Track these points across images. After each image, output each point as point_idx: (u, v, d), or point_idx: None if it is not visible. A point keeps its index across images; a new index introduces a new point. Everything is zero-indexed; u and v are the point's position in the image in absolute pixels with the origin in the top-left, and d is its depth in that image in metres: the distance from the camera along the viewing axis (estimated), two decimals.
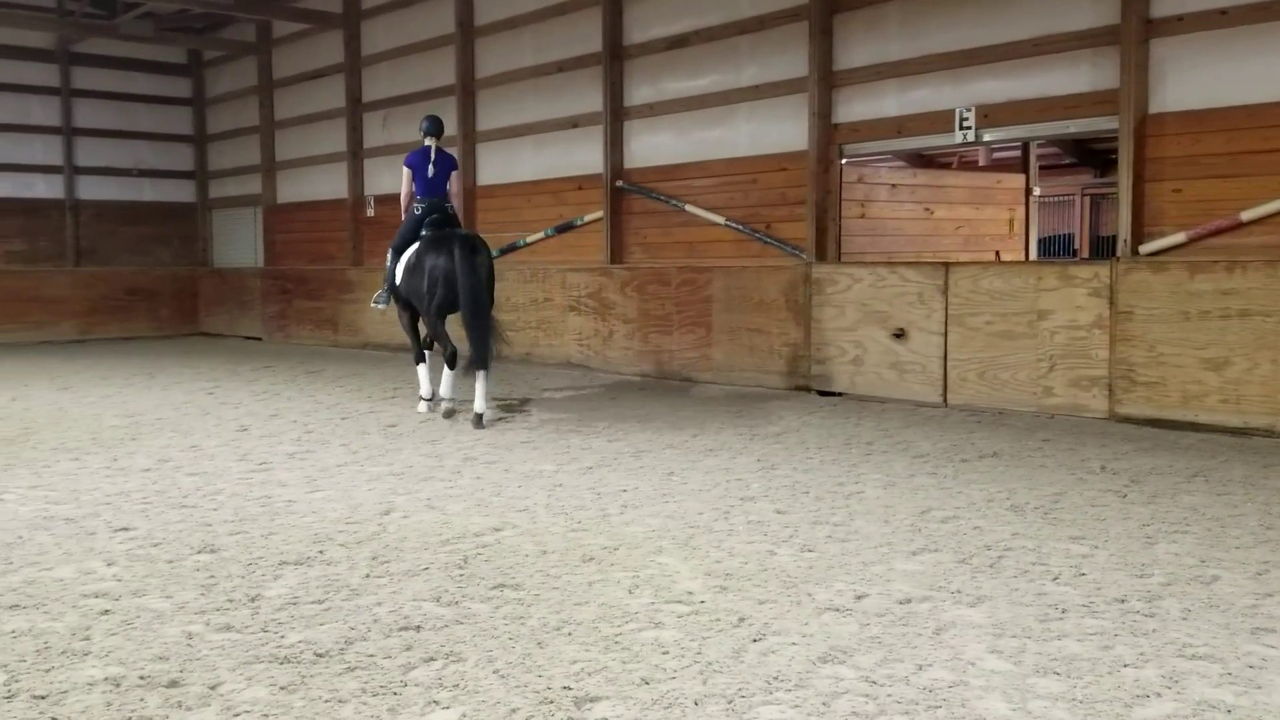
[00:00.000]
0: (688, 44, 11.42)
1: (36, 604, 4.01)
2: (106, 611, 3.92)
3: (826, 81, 10.15)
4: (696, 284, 11.01)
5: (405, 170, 9.32)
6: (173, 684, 3.26)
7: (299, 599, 4.05)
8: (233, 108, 18.79)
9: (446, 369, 8.70)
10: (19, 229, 17.81)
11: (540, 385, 10.96)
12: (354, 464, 6.76)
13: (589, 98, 12.44)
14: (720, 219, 11.16)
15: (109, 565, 4.52)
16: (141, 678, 3.31)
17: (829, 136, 10.21)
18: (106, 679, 3.30)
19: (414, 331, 9.42)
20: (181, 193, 19.50)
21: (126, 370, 12.84)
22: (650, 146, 11.97)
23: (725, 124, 11.17)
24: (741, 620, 3.77)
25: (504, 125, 13.67)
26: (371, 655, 3.47)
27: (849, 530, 5.03)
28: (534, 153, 13.36)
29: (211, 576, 4.35)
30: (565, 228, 12.90)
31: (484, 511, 5.46)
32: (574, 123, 12.71)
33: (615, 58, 12.10)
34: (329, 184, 16.67)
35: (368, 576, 4.34)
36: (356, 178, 16.06)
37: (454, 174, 9.43)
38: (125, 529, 5.13)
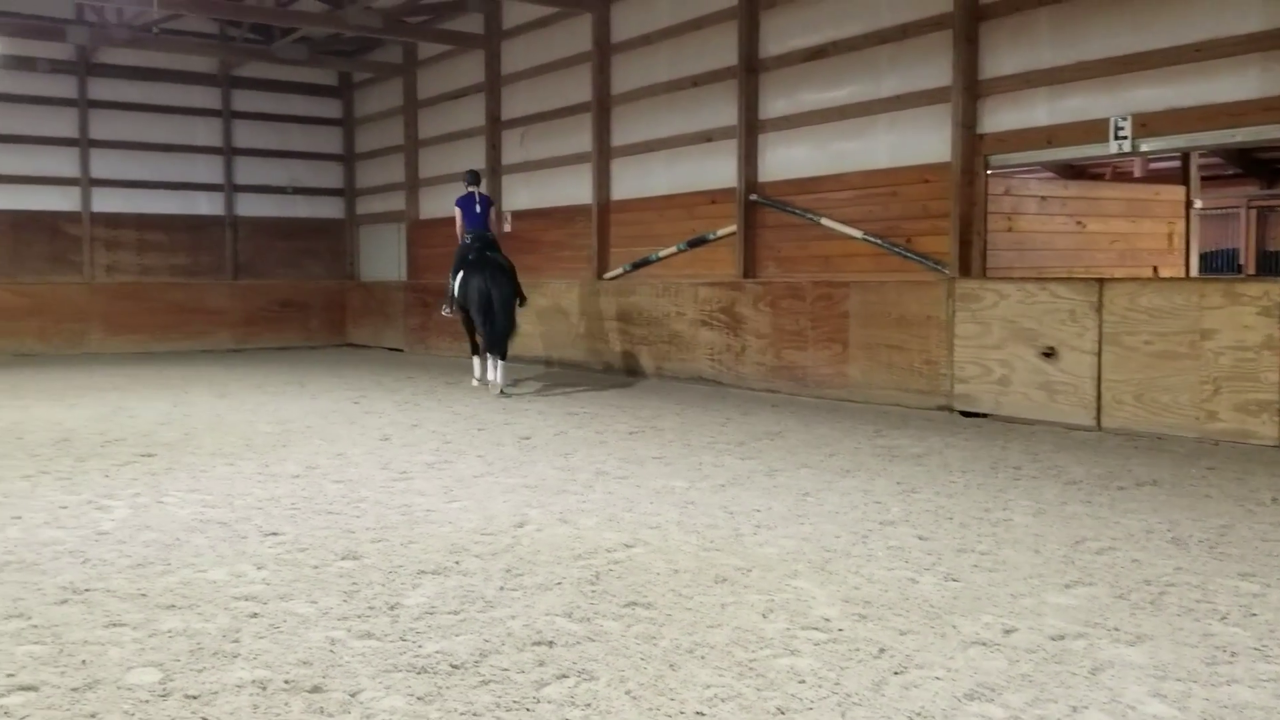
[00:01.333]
0: (826, 55, 11.27)
1: (191, 605, 4.16)
2: (255, 615, 4.04)
3: (971, 91, 9.86)
4: (833, 299, 10.83)
5: (456, 210, 12.26)
6: (315, 689, 3.33)
7: (436, 609, 4.11)
8: (379, 127, 19.47)
9: (499, 361, 11.53)
10: (184, 244, 18.83)
11: (671, 400, 10.94)
12: (489, 475, 6.85)
13: (723, 111, 12.41)
14: (858, 233, 10.96)
15: (259, 569, 4.67)
16: (286, 682, 3.39)
17: (974, 147, 9.91)
18: (254, 681, 3.39)
19: (470, 331, 12.29)
20: (331, 209, 20.29)
21: (279, 379, 13.39)
22: (785, 159, 11.85)
23: (864, 135, 10.97)
24: (882, 651, 3.64)
25: (637, 140, 13.76)
26: (505, 669, 3.48)
27: (996, 559, 4.82)
28: (667, 167, 13.40)
29: (354, 583, 4.45)
30: (698, 242, 12.87)
31: (616, 527, 5.44)
32: (708, 136, 12.69)
33: (750, 70, 12.03)
34: None
35: (502, 589, 4.37)
36: (495, 194, 16.39)
37: (492, 209, 12.20)
38: (274, 534, 5.31)
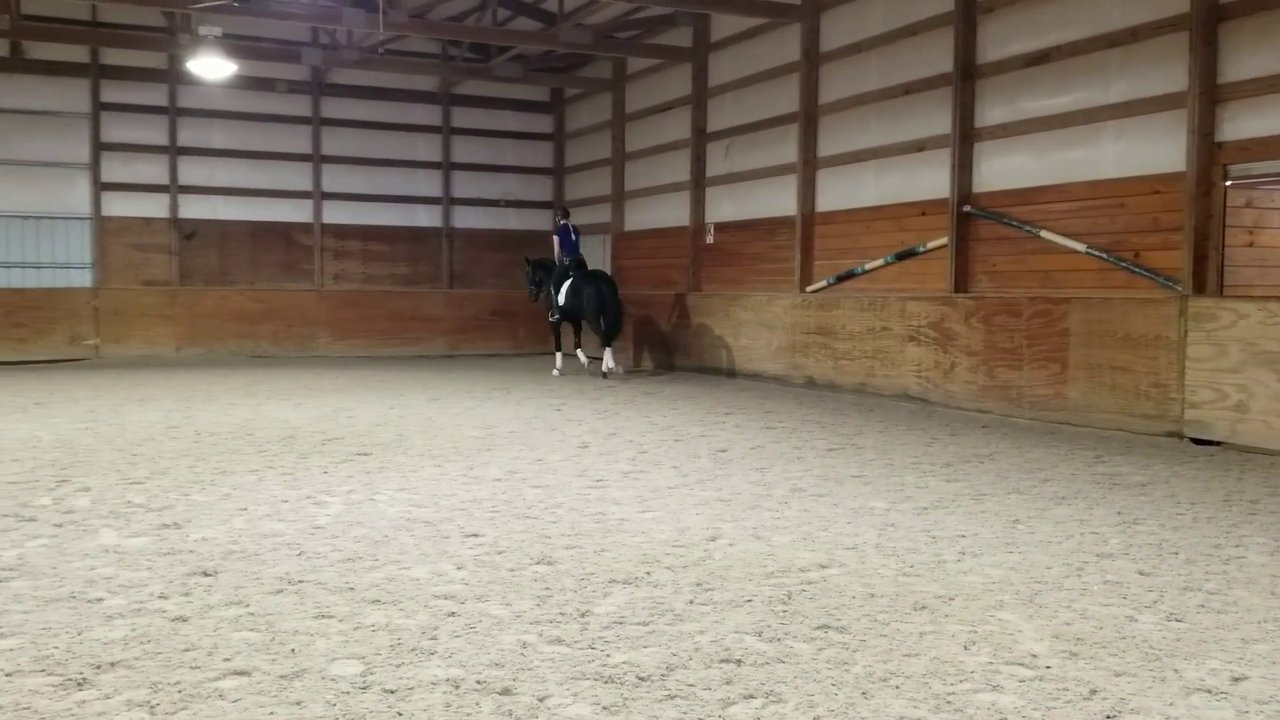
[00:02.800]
0: (1049, 60, 10.72)
1: (394, 601, 4.32)
2: (453, 614, 4.15)
3: (1209, 96, 9.14)
4: (1051, 316, 10.26)
5: (555, 239, 15.32)
6: (505, 691, 3.38)
7: (625, 619, 4.10)
8: (588, 141, 19.93)
9: (607, 348, 14.65)
10: (404, 254, 19.85)
11: (874, 418, 10.64)
12: (684, 487, 6.83)
13: (936, 120, 12.00)
14: (1080, 246, 10.35)
15: (458, 569, 4.80)
16: (478, 682, 3.45)
17: (1211, 156, 9.18)
18: (448, 680, 3.47)
19: (559, 334, 15.54)
20: (541, 221, 20.91)
21: (487, 385, 13.87)
22: (1002, 169, 11.34)
23: (1088, 144, 10.36)
24: (1093, 692, 3.37)
25: (845, 151, 13.49)
26: (691, 685, 3.43)
27: (1226, 600, 4.41)
28: (875, 178, 13.07)
29: (547, 588, 4.51)
30: (906, 254, 12.49)
31: (810, 546, 5.30)
32: (919, 146, 12.30)
33: (967, 77, 11.58)
34: (673, 212, 17.23)
35: (691, 603, 4.32)
36: (698, 206, 16.47)
37: (579, 236, 15.30)
38: (475, 535, 5.46)
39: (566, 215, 15.47)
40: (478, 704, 3.28)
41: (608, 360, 14.53)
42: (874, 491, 6.76)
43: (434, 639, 3.86)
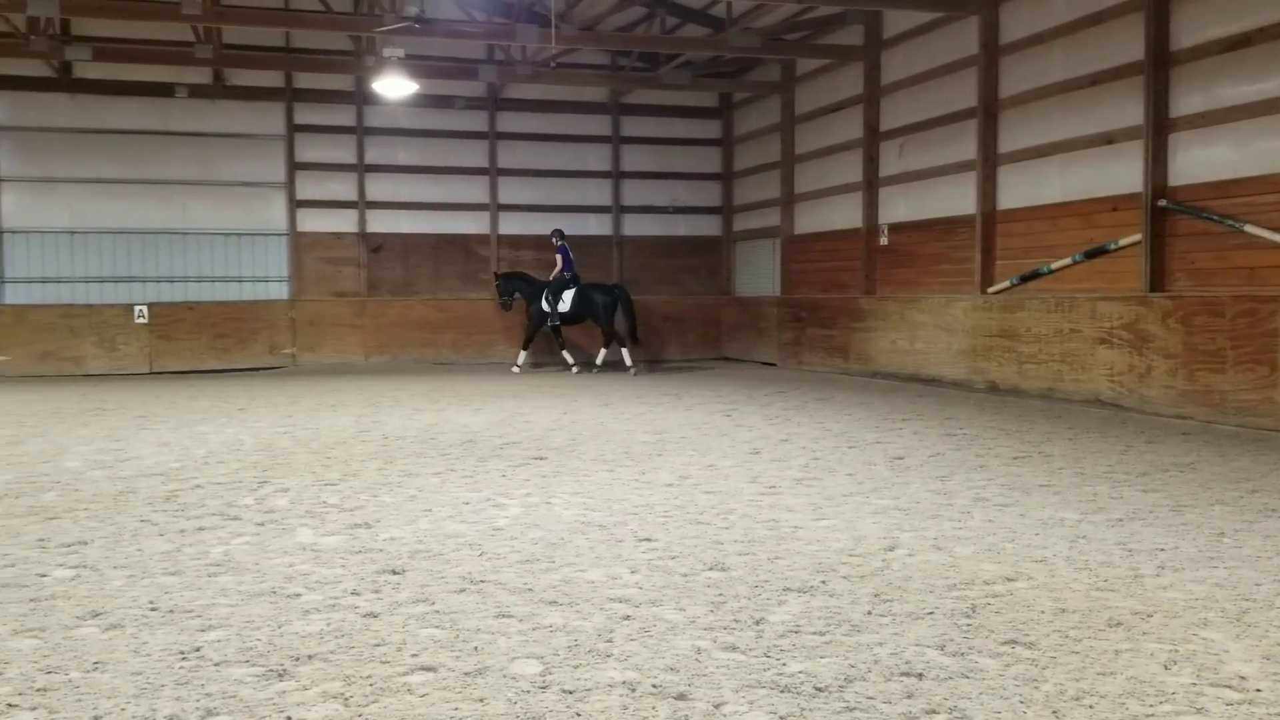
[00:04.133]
0: (1250, 44, 10.02)
1: (571, 602, 4.38)
2: (628, 617, 4.18)
3: None
4: (1258, 315, 9.57)
5: (559, 256, 17.13)
6: (680, 696, 3.37)
7: (801, 628, 4.04)
8: (757, 145, 19.84)
9: (623, 348, 17.02)
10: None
11: (1062, 424, 10.17)
12: (859, 495, 6.69)
13: (1127, 111, 11.38)
14: None
15: (632, 573, 4.84)
16: (654, 686, 3.46)
17: None
18: (624, 683, 3.49)
19: (535, 335, 17.66)
20: (709, 227, 20.95)
21: (657, 391, 13.97)
22: (1200, 160, 10.65)
23: None
24: None
25: (1027, 146, 12.96)
26: (871, 698, 3.34)
27: None
28: (1060, 173, 12.50)
29: (720, 594, 4.48)
30: (1096, 253, 11.88)
31: (995, 558, 5.10)
32: (1108, 139, 11.69)
33: (1160, 65, 10.94)
34: (844, 214, 16.95)
35: (869, 614, 4.22)
36: (871, 207, 16.15)
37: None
38: (648, 539, 5.49)
39: (563, 237, 17.41)
40: (654, 708, 3.29)
41: (628, 358, 17.04)
42: (1064, 502, 6.45)
43: (610, 641, 3.89)
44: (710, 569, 4.90)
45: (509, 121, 19.77)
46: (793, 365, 18.05)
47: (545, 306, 17.22)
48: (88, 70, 17.42)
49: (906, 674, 3.55)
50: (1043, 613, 4.21)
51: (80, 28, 17.07)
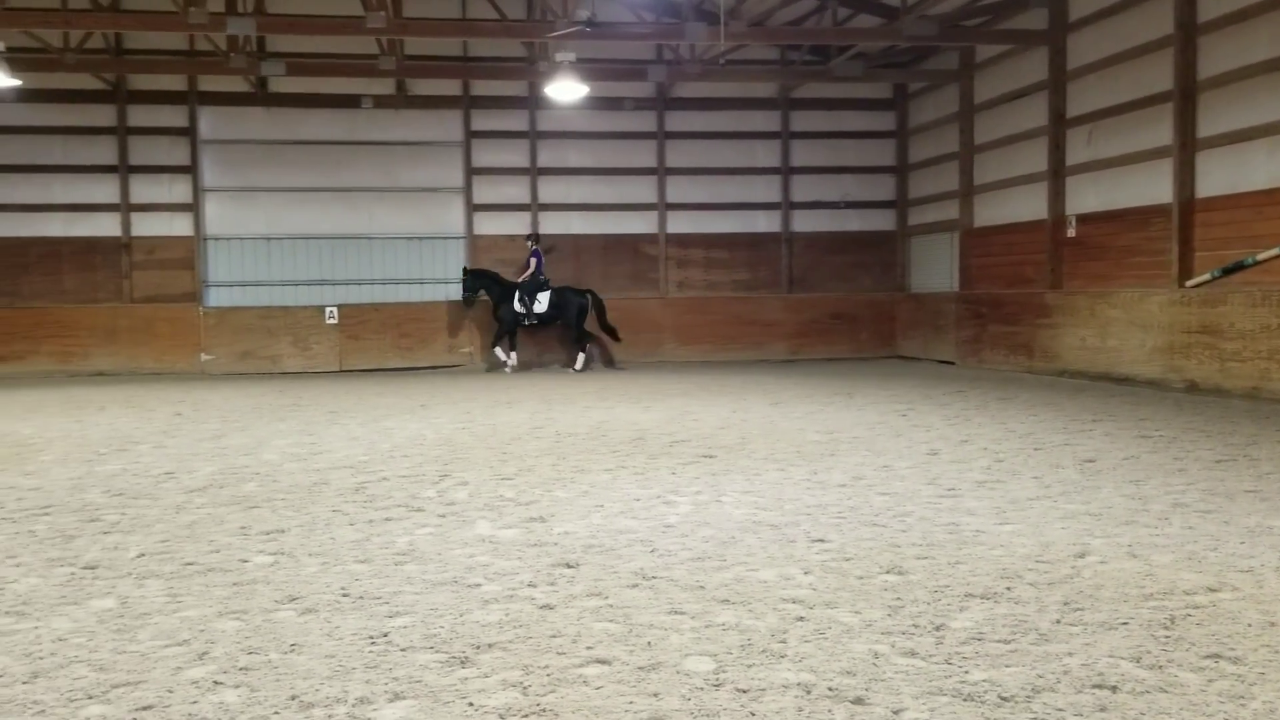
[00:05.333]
0: None
1: (743, 601, 4.35)
2: (801, 618, 4.11)
3: None
4: None
5: (534, 260, 17.98)
6: (858, 700, 3.29)
7: (984, 635, 3.88)
8: (933, 136, 19.28)
9: (582, 352, 18.06)
10: (743, 260, 20.16)
11: (1271, 426, 9.46)
12: (1046, 498, 6.39)
13: None
14: None
15: (805, 574, 4.76)
16: (830, 689, 3.39)
17: None
18: (799, 684, 3.43)
19: (514, 334, 18.23)
20: (882, 221, 20.49)
21: (828, 389, 13.76)
22: None
23: None
24: None
25: (1229, 130, 12.13)
26: (1060, 710, 3.18)
27: None
28: (1267, 158, 11.64)
29: (898, 598, 4.36)
30: None
31: (1196, 567, 4.77)
32: None
33: None
34: (1027, 205, 16.27)
35: (1058, 622, 4.02)
36: (1057, 198, 15.44)
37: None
38: (821, 540, 5.39)
39: (538, 240, 18.38)
40: (830, 711, 3.22)
41: (578, 357, 18.09)
42: (1273, 509, 5.99)
43: (783, 642, 3.84)
44: (887, 572, 4.77)
45: (677, 120, 19.86)
46: (972, 363, 17.45)
47: (519, 308, 17.89)
48: (281, 85, 18.48)
49: (1099, 686, 3.37)
50: (1249, 625, 3.92)
51: (274, 44, 18.12)
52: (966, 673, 3.51)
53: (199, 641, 3.94)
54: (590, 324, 18.21)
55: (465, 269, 18.50)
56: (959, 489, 6.72)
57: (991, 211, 17.46)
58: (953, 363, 18.03)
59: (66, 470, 7.96)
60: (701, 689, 3.41)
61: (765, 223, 20.24)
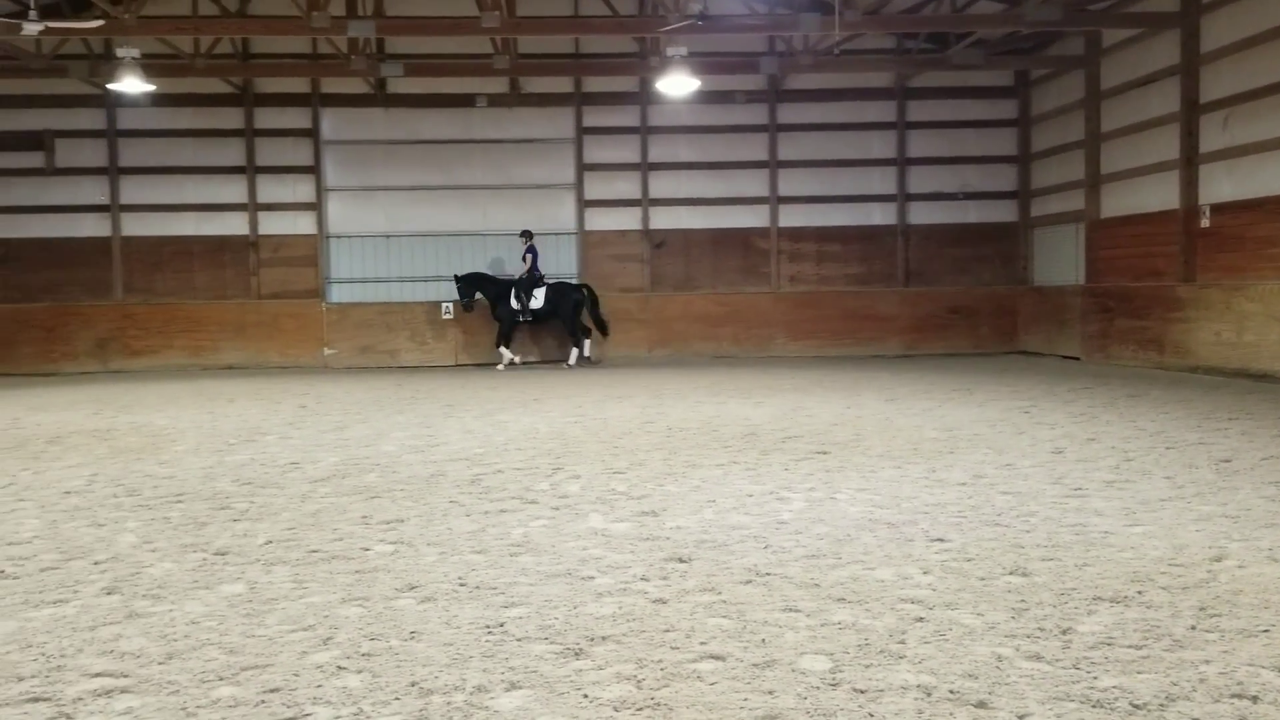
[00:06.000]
0: None
1: (859, 600, 4.27)
2: (920, 619, 4.01)
3: None
4: None
5: (529, 256, 17.81)
6: (980, 705, 3.20)
7: (1114, 640, 3.73)
8: (1057, 124, 18.65)
9: (577, 346, 18.09)
10: (857, 254, 19.83)
11: None
12: (1179, 500, 6.11)
13: None
14: None
15: (924, 573, 4.65)
16: (951, 692, 3.30)
17: None
18: (919, 686, 3.35)
19: (510, 332, 18.32)
20: (1003, 213, 19.92)
21: (946, 385, 13.44)
22: None
23: None
24: None
25: None
26: (1196, 719, 3.04)
27: None
28: None
29: (1022, 600, 4.23)
30: None
31: None
32: None
33: None
34: (1157, 195, 15.62)
35: (1193, 629, 3.83)
36: (1189, 187, 14.77)
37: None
38: (940, 540, 5.26)
39: (531, 237, 18.13)
40: (951, 714, 3.14)
41: (588, 350, 18.26)
42: None
43: (902, 643, 3.76)
44: (1010, 573, 4.63)
45: (789, 113, 19.66)
46: (1098, 359, 16.84)
47: (515, 304, 17.93)
48: (400, 85, 18.92)
49: (1238, 696, 3.21)
50: None
51: (393, 46, 18.56)
52: (1095, 678, 3.39)
53: (323, 627, 4.05)
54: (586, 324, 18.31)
55: (456, 276, 18.56)
56: (1086, 489, 6.48)
57: (1119, 201, 16.80)
58: (1078, 358, 17.42)
59: (199, 459, 8.29)
60: (818, 688, 3.35)
61: (880, 215, 19.88)
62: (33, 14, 13.07)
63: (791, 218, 19.76)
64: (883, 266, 19.86)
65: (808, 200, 19.71)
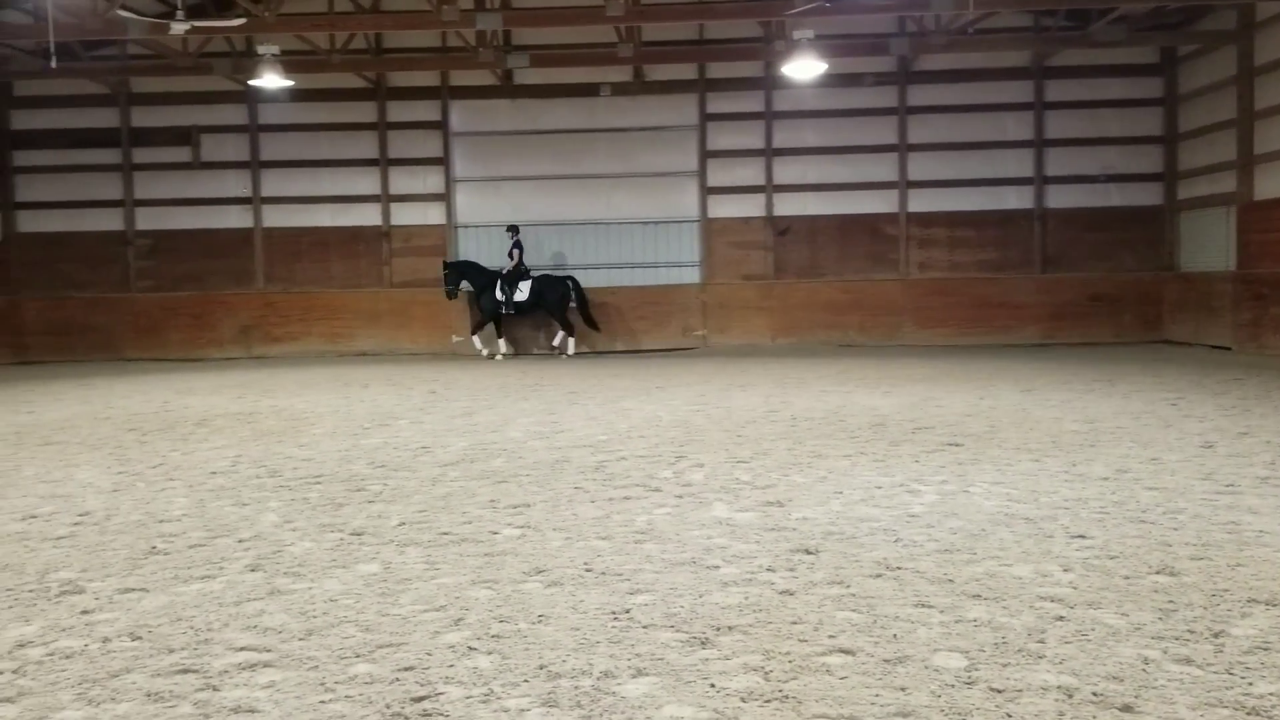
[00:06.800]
0: None
1: (996, 597, 4.13)
2: (1061, 618, 3.86)
3: None
4: None
5: (516, 250, 18.31)
6: (1126, 708, 3.07)
7: (1270, 645, 3.53)
8: (1206, 102, 17.71)
9: (569, 336, 18.28)
10: (991, 239, 19.21)
11: None
12: None
13: None
14: None
15: (1065, 571, 4.47)
16: (1094, 694, 3.17)
17: None
18: (1059, 687, 3.23)
19: (487, 323, 18.53)
20: (1147, 196, 19.02)
21: (1087, 376, 12.93)
22: None
23: None
24: None
25: None
26: None
27: None
28: None
29: (1170, 601, 4.02)
30: None
31: None
32: None
33: None
34: None
35: None
36: None
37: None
38: (1081, 536, 5.06)
39: (517, 231, 18.47)
40: (1095, 717, 3.01)
41: (567, 342, 18.38)
42: None
43: (1041, 642, 3.62)
44: (1157, 572, 4.41)
45: (919, 95, 19.14)
46: (1251, 349, 15.96)
47: (500, 296, 18.14)
48: (525, 76, 19.14)
49: None
50: None
51: (519, 37, 18.78)
52: (1250, 684, 3.21)
53: (454, 608, 4.12)
54: (574, 318, 18.32)
55: (444, 262, 18.73)
56: (1238, 485, 6.14)
57: (1275, 183, 15.86)
58: (1229, 348, 16.54)
59: (335, 443, 8.57)
60: (952, 686, 3.25)
61: (1016, 199, 19.20)
62: (180, 14, 13.69)
63: (921, 202, 19.26)
64: (1018, 252, 19.19)
65: (938, 184, 19.17)
